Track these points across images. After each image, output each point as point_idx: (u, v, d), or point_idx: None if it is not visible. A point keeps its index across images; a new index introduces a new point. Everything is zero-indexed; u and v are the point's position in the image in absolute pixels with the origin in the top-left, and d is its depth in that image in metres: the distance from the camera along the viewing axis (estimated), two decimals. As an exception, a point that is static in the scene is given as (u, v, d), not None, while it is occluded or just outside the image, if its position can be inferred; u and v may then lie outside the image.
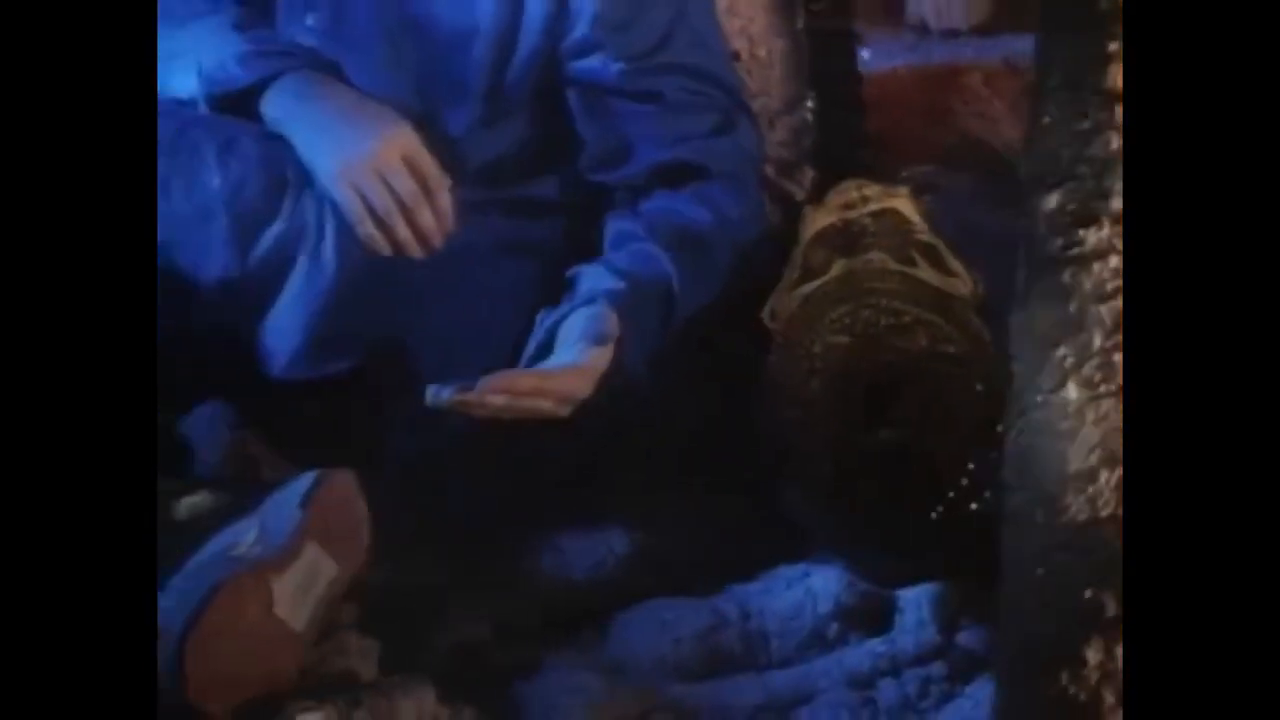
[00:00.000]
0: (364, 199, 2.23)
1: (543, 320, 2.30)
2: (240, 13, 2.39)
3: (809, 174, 2.52)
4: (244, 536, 2.04)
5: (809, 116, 2.53)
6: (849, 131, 2.40)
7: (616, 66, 2.37)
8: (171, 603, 1.97)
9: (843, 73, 2.42)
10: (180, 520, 2.19)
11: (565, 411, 2.19)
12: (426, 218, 2.25)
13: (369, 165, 2.23)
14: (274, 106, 2.30)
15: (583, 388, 2.21)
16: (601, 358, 2.24)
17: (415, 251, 2.25)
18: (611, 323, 2.26)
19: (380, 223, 2.23)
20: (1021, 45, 3.01)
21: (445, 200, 2.27)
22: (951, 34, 3.05)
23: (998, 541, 1.76)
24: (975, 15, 3.08)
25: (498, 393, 2.15)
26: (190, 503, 2.21)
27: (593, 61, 2.38)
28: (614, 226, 2.40)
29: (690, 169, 2.40)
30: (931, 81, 2.82)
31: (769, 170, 2.59)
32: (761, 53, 2.53)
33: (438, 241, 2.26)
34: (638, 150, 2.42)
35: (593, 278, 2.32)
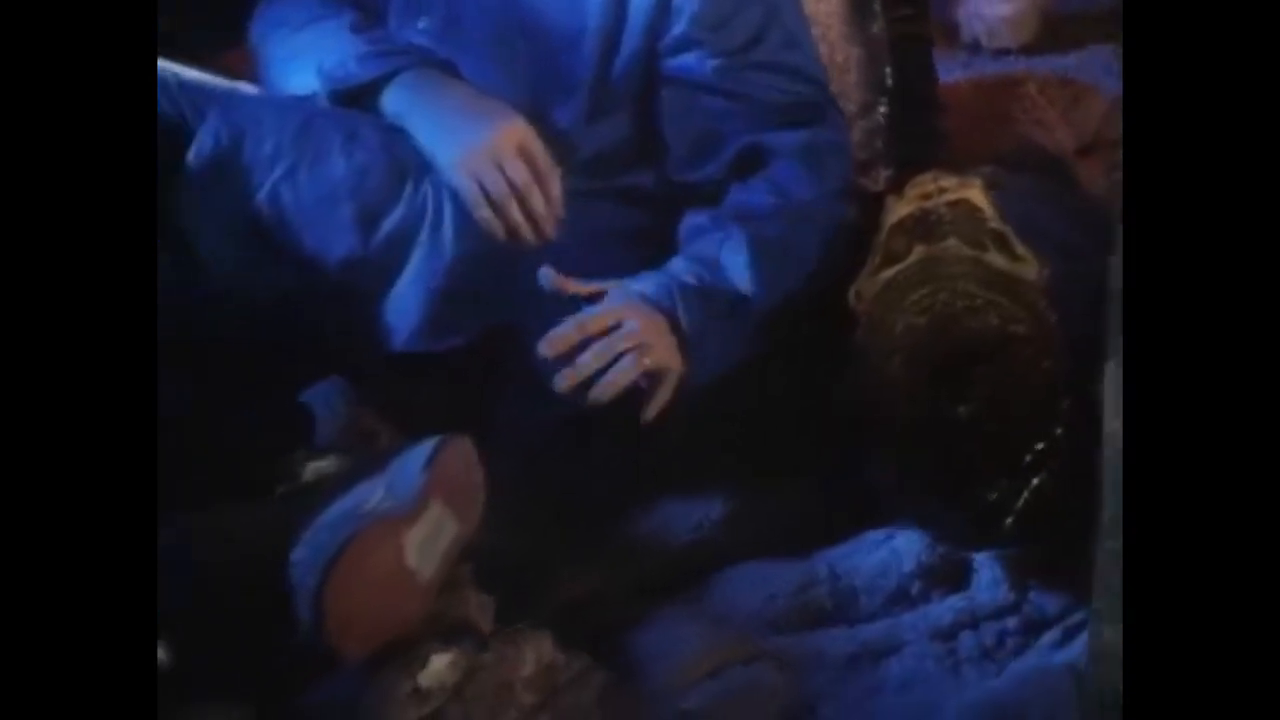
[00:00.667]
0: (482, 186, 2.35)
1: None
2: (355, 17, 2.52)
3: (882, 172, 2.65)
4: (371, 495, 2.16)
5: (881, 120, 2.67)
6: (927, 128, 2.52)
7: (711, 63, 2.47)
8: (305, 555, 2.10)
9: (921, 74, 2.54)
10: (307, 482, 2.34)
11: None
12: (539, 204, 2.37)
13: (486, 154, 2.35)
14: (394, 101, 2.42)
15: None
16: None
17: (528, 236, 2.37)
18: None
19: (497, 208, 2.35)
20: (1065, 62, 3.17)
21: (556, 188, 2.38)
22: (1003, 52, 3.20)
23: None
24: (1023, 36, 3.23)
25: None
26: (315, 466, 2.35)
27: (688, 59, 2.48)
28: (691, 222, 2.51)
29: (774, 160, 2.50)
30: (990, 91, 2.94)
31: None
32: (839, 59, 2.63)
33: (549, 227, 2.38)
34: (724, 147, 2.52)
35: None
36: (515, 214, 2.36)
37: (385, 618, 2.08)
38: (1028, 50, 3.23)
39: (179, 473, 2.23)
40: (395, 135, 2.41)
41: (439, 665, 2.05)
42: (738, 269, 2.40)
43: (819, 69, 2.58)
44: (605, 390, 2.24)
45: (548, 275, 2.30)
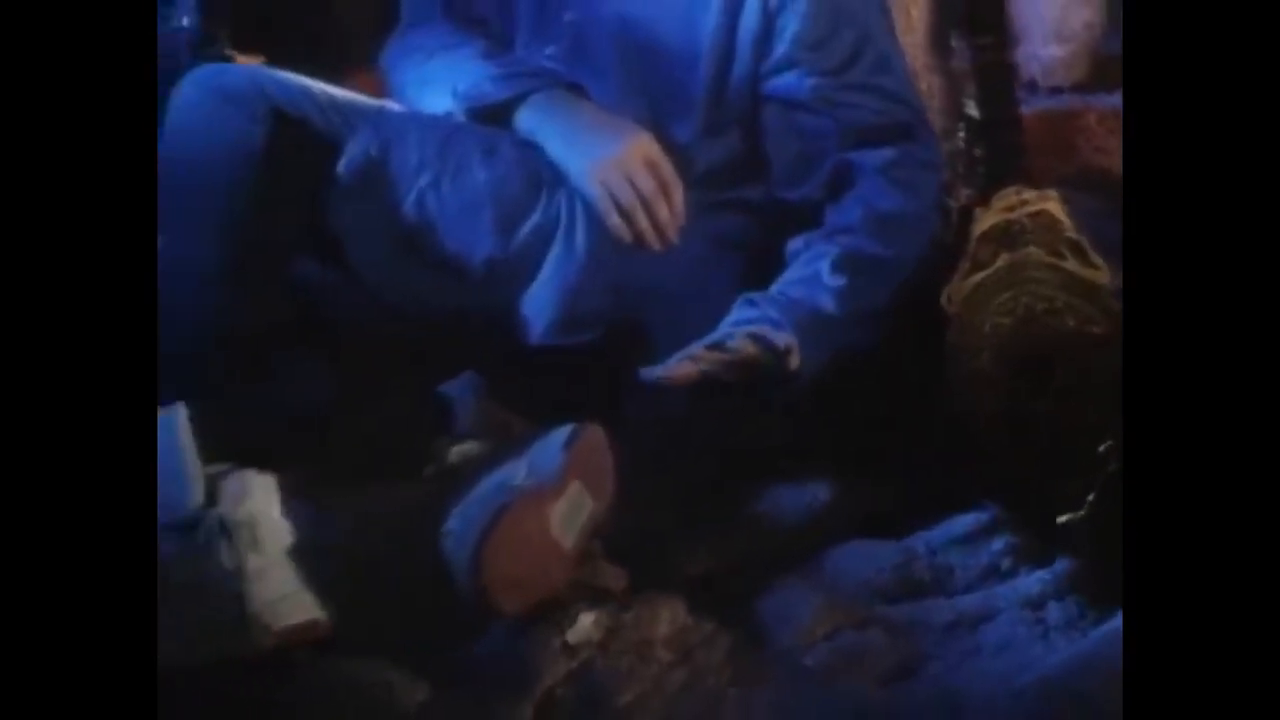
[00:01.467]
0: (612, 195, 2.53)
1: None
2: (486, 45, 2.71)
3: (963, 191, 2.84)
4: (515, 474, 2.32)
5: (961, 144, 2.86)
6: (1010, 145, 2.71)
7: (809, 83, 2.64)
8: (457, 526, 2.25)
9: (1003, 96, 2.72)
10: (452, 464, 2.51)
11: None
12: (664, 212, 2.55)
13: (617, 166, 2.53)
14: (527, 119, 2.60)
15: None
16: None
17: (653, 241, 2.55)
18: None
19: (626, 215, 2.53)
20: (1112, 99, 3.36)
21: (679, 198, 2.56)
22: (1056, 90, 3.39)
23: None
24: (1075, 75, 3.42)
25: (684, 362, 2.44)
26: (460, 450, 2.53)
27: (789, 78, 2.65)
28: (793, 246, 2.66)
29: (864, 178, 2.65)
30: (1054, 122, 3.11)
31: None
32: (922, 87, 2.81)
33: (672, 234, 2.56)
34: (819, 166, 2.68)
35: (764, 304, 2.57)
36: (642, 221, 2.54)
37: (535, 580, 2.24)
38: (1079, 88, 3.41)
39: (339, 457, 2.45)
40: (530, 149, 2.58)
41: (586, 623, 2.22)
42: (834, 286, 2.57)
43: (910, 90, 2.73)
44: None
45: (650, 373, 2.44)
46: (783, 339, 2.49)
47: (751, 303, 2.56)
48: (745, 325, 2.52)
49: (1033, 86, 3.37)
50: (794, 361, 2.49)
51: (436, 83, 2.68)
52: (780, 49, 2.64)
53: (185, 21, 2.98)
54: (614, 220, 2.54)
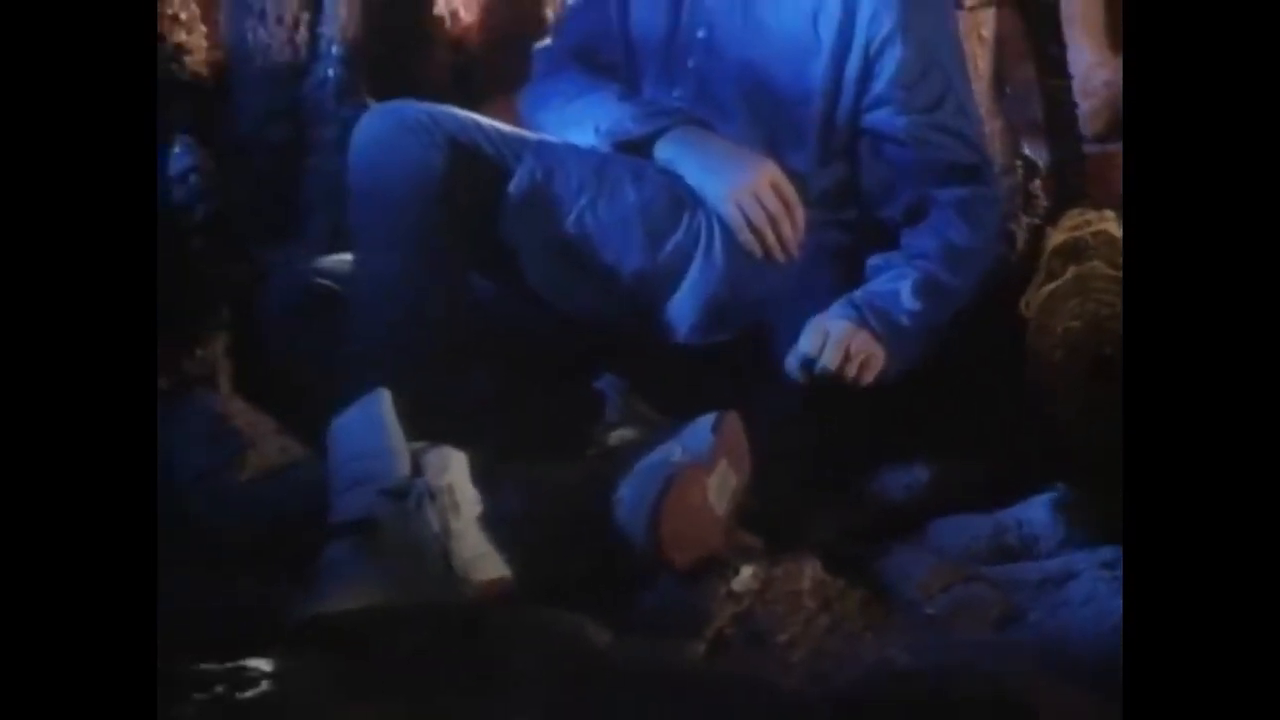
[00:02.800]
0: (745, 215, 2.82)
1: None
2: (620, 89, 3.00)
3: (1024, 219, 3.18)
4: (672, 453, 2.60)
5: (1020, 179, 3.21)
6: (1075, 173, 3.06)
7: (900, 120, 2.93)
8: (628, 494, 2.55)
9: (1070, 131, 3.08)
10: (612, 446, 2.79)
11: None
12: (788, 230, 2.85)
13: (748, 190, 2.83)
14: (665, 150, 2.89)
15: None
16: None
17: (779, 255, 2.84)
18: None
19: (757, 232, 2.84)
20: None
21: (800, 217, 2.86)
22: (1080, 139, 3.75)
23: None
24: (1098, 127, 3.75)
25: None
26: (618, 434, 2.82)
27: (883, 114, 2.94)
28: (873, 262, 2.95)
29: (937, 210, 2.94)
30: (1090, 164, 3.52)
31: None
32: (985, 130, 3.17)
33: (794, 249, 2.86)
34: (900, 194, 2.97)
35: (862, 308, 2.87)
36: (770, 237, 2.84)
37: (698, 540, 2.53)
38: (1101, 138, 3.77)
39: (514, 439, 2.73)
40: (670, 176, 2.87)
41: (746, 575, 2.51)
42: (912, 308, 2.86)
43: (980, 135, 3.03)
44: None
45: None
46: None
47: (852, 304, 2.87)
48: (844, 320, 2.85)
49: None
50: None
51: (579, 122, 2.96)
52: (878, 88, 2.93)
53: (330, 73, 3.28)
54: (746, 237, 2.83)
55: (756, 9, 2.99)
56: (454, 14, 3.61)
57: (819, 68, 2.95)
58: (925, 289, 2.90)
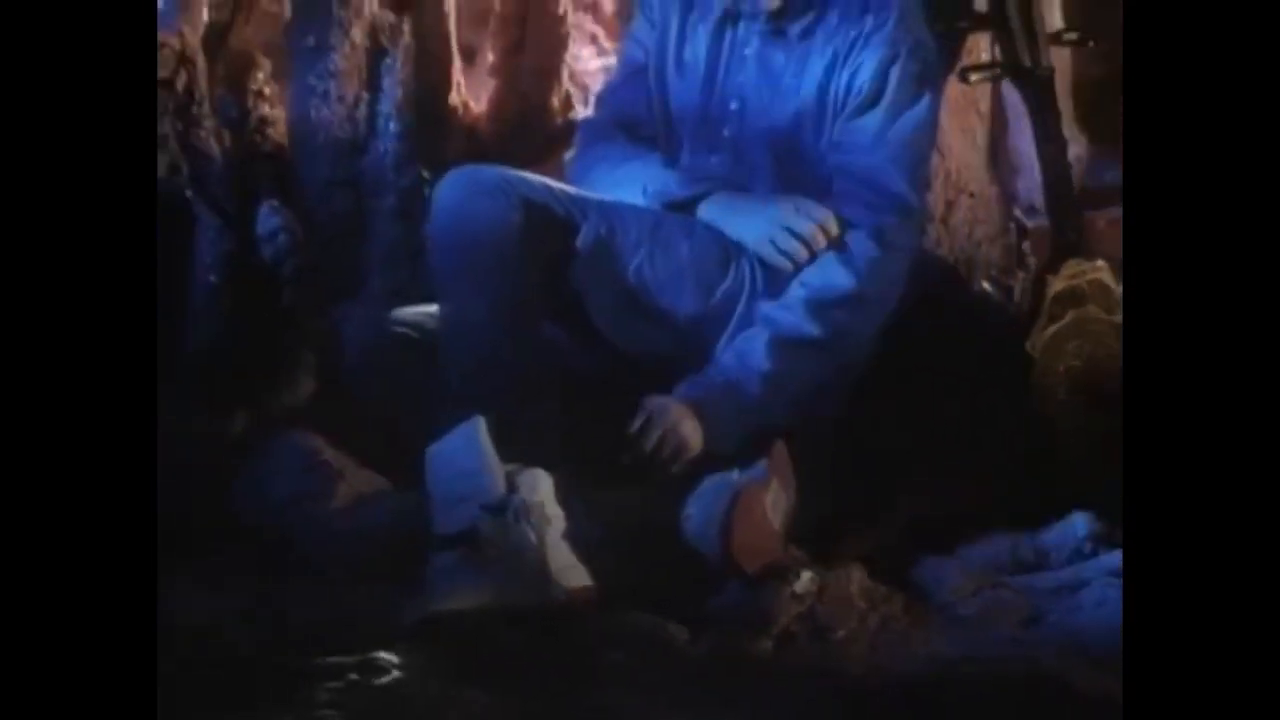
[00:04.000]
0: (776, 245, 3.11)
1: None
2: (662, 155, 3.28)
3: (1020, 275, 3.52)
4: (731, 475, 2.92)
5: (1013, 239, 3.54)
6: (1073, 227, 3.38)
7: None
8: (695, 511, 2.86)
9: (1067, 187, 3.41)
10: (676, 473, 3.05)
11: None
12: (821, 240, 3.12)
13: (781, 221, 3.13)
14: (709, 210, 3.19)
15: None
16: None
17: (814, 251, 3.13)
18: None
19: (789, 257, 3.12)
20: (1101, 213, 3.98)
21: (833, 226, 3.13)
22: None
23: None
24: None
25: None
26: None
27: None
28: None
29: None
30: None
31: (993, 274, 3.58)
32: (976, 190, 3.51)
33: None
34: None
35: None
36: (807, 250, 3.13)
37: (762, 548, 2.81)
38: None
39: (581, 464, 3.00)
40: (715, 232, 3.15)
41: (806, 578, 2.79)
42: (761, 360, 3.13)
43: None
44: None
45: None
46: None
47: (697, 383, 3.15)
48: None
49: (1031, 210, 4.04)
50: None
51: (626, 185, 3.24)
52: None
53: (388, 147, 3.57)
54: (782, 263, 3.13)
55: (783, 77, 3.26)
56: (465, 105, 3.90)
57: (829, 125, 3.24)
58: (780, 348, 3.14)
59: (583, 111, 3.72)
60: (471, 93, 3.99)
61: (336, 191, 3.56)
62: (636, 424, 3.05)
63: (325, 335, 3.27)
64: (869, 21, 3.22)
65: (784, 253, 3.14)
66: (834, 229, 3.14)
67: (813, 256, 3.14)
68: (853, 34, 3.22)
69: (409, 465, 2.93)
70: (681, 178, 3.25)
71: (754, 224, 3.18)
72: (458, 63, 3.88)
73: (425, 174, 3.54)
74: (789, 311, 3.14)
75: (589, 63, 4.28)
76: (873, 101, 3.19)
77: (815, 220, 3.14)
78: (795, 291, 3.15)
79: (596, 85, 3.84)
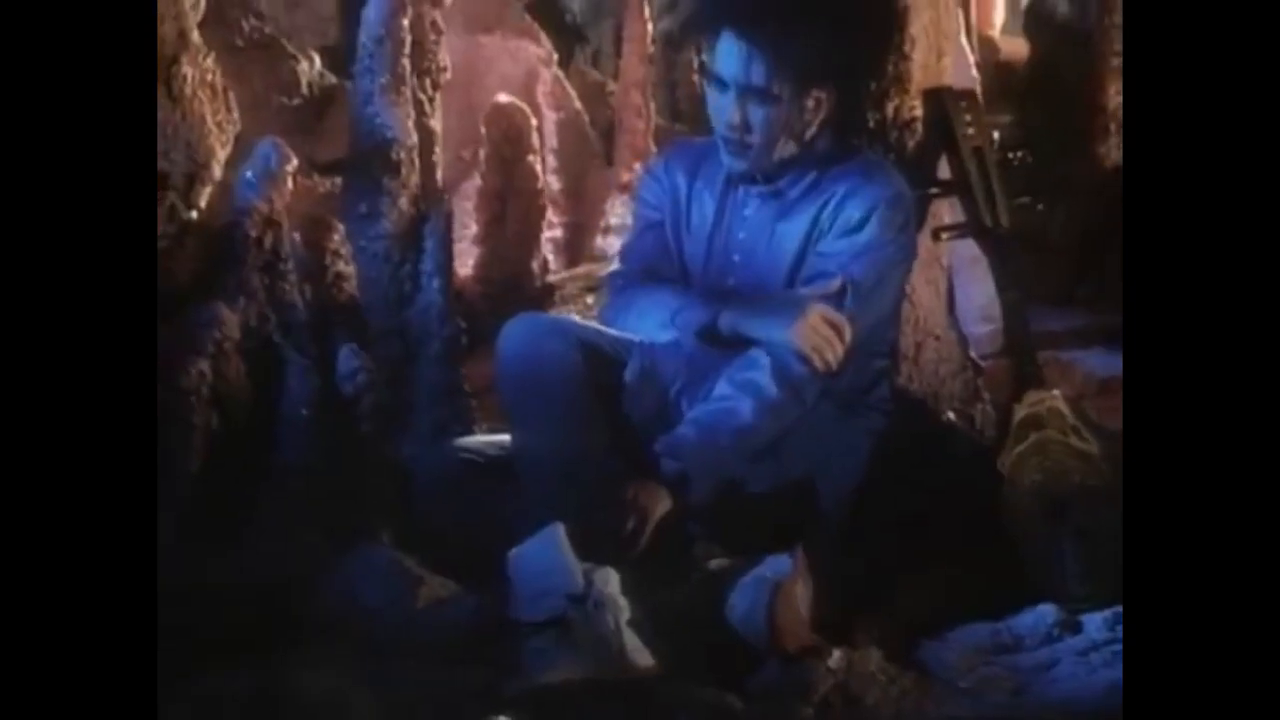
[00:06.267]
0: (806, 344, 3.49)
1: None
2: (678, 286, 3.73)
3: (978, 406, 4.05)
4: (764, 571, 3.41)
5: (971, 378, 4.07)
6: (1030, 364, 3.90)
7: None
8: (739, 601, 3.26)
9: (1024, 331, 3.94)
10: (711, 570, 3.54)
11: None
12: (840, 349, 3.52)
13: (804, 324, 3.50)
14: (727, 320, 3.56)
15: None
16: None
17: (834, 368, 3.55)
18: None
19: (816, 352, 3.50)
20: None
21: (848, 335, 3.52)
22: (984, 357, 4.59)
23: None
24: (994, 347, 4.57)
25: None
26: (715, 562, 3.57)
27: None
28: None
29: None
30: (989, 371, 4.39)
31: (956, 405, 4.05)
32: (940, 334, 4.03)
33: (838, 364, 3.54)
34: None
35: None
36: (827, 356, 3.53)
37: (799, 633, 3.26)
38: (994, 355, 4.59)
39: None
40: (738, 339, 3.56)
41: (837, 655, 3.26)
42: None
43: None
44: None
45: None
46: None
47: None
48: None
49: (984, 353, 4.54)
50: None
51: (655, 314, 3.65)
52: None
53: (433, 300, 4.06)
54: (808, 359, 3.52)
55: (781, 228, 3.69)
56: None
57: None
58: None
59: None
60: (459, 259, 4.49)
61: (386, 339, 4.02)
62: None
63: (397, 461, 3.72)
64: (857, 178, 3.66)
65: (811, 349, 3.54)
66: (846, 336, 3.53)
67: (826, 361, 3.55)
68: (842, 189, 3.65)
69: (476, 571, 3.38)
70: (701, 302, 3.65)
71: (777, 320, 3.57)
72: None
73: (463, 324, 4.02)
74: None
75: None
76: (859, 227, 3.62)
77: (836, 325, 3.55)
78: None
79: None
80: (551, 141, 5.53)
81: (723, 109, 3.66)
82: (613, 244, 6.01)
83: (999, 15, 7.22)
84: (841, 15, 3.64)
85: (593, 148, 6.43)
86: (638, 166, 6.00)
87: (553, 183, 5.55)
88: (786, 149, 3.66)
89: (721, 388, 3.55)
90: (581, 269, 5.63)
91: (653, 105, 6.40)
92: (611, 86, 6.76)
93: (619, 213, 6.10)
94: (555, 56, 6.44)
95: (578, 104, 6.44)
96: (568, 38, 7.20)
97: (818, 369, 3.55)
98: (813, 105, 3.64)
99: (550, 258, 5.02)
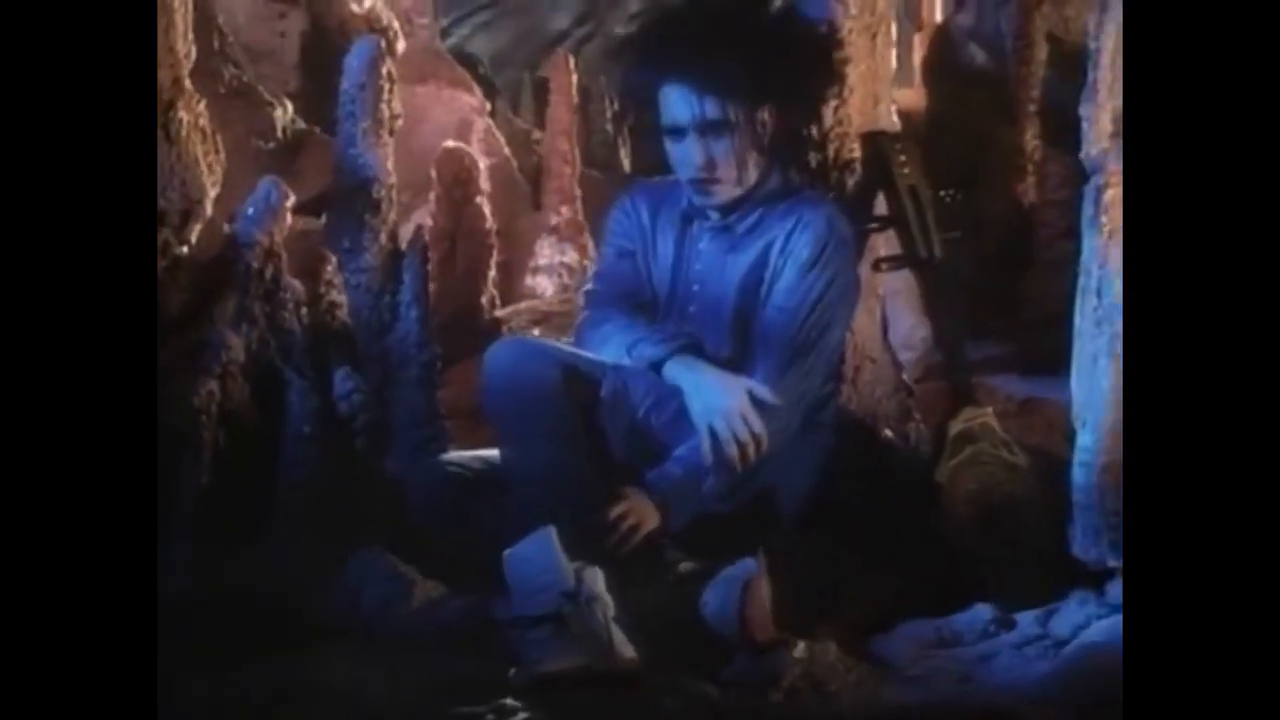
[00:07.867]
0: (717, 434, 3.81)
1: None
2: (647, 320, 4.04)
3: (910, 424, 4.37)
4: (736, 570, 3.70)
5: (904, 400, 4.39)
6: (965, 382, 4.22)
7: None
8: (712, 598, 3.54)
9: (961, 354, 4.26)
10: (682, 572, 3.85)
11: None
12: (752, 449, 3.85)
13: (721, 415, 3.81)
14: (671, 371, 3.88)
15: None
16: None
17: (748, 462, 3.86)
18: None
19: (730, 445, 3.82)
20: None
21: (764, 438, 3.84)
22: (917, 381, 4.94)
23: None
24: (918, 373, 4.94)
25: None
26: (686, 565, 3.88)
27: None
28: None
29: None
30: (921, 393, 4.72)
31: (891, 423, 4.31)
32: (875, 357, 4.31)
33: (754, 458, 3.86)
34: None
35: None
36: (739, 453, 3.83)
37: (767, 626, 3.55)
38: (919, 380, 4.82)
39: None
40: (675, 389, 3.87)
41: (800, 647, 3.54)
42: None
43: None
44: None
45: None
46: None
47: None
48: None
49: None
50: None
51: (616, 344, 3.96)
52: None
53: (410, 328, 4.34)
54: (720, 451, 3.83)
55: (730, 259, 4.02)
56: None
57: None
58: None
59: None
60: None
61: (367, 364, 4.28)
62: (616, 511, 3.79)
63: (389, 475, 4.00)
64: (805, 214, 3.98)
65: (722, 441, 3.86)
66: (762, 441, 3.85)
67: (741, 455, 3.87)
68: (789, 226, 3.98)
69: (463, 574, 3.70)
70: (655, 338, 3.96)
71: (702, 401, 3.88)
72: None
73: (439, 350, 4.29)
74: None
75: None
76: (809, 267, 3.93)
77: (752, 427, 3.86)
78: None
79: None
80: (485, 185, 5.82)
81: (686, 155, 3.98)
82: (542, 283, 6.36)
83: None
84: (766, 38, 4.01)
85: (521, 190, 6.72)
86: (564, 210, 6.35)
87: (485, 224, 5.85)
88: (749, 177, 3.98)
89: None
90: (524, 305, 5.93)
91: (577, 152, 6.68)
92: (536, 135, 7.07)
93: (546, 254, 6.44)
94: (489, 106, 6.74)
95: (506, 150, 6.74)
96: (484, 88, 7.49)
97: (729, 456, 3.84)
98: (761, 125, 3.99)
99: (496, 295, 5.32)
